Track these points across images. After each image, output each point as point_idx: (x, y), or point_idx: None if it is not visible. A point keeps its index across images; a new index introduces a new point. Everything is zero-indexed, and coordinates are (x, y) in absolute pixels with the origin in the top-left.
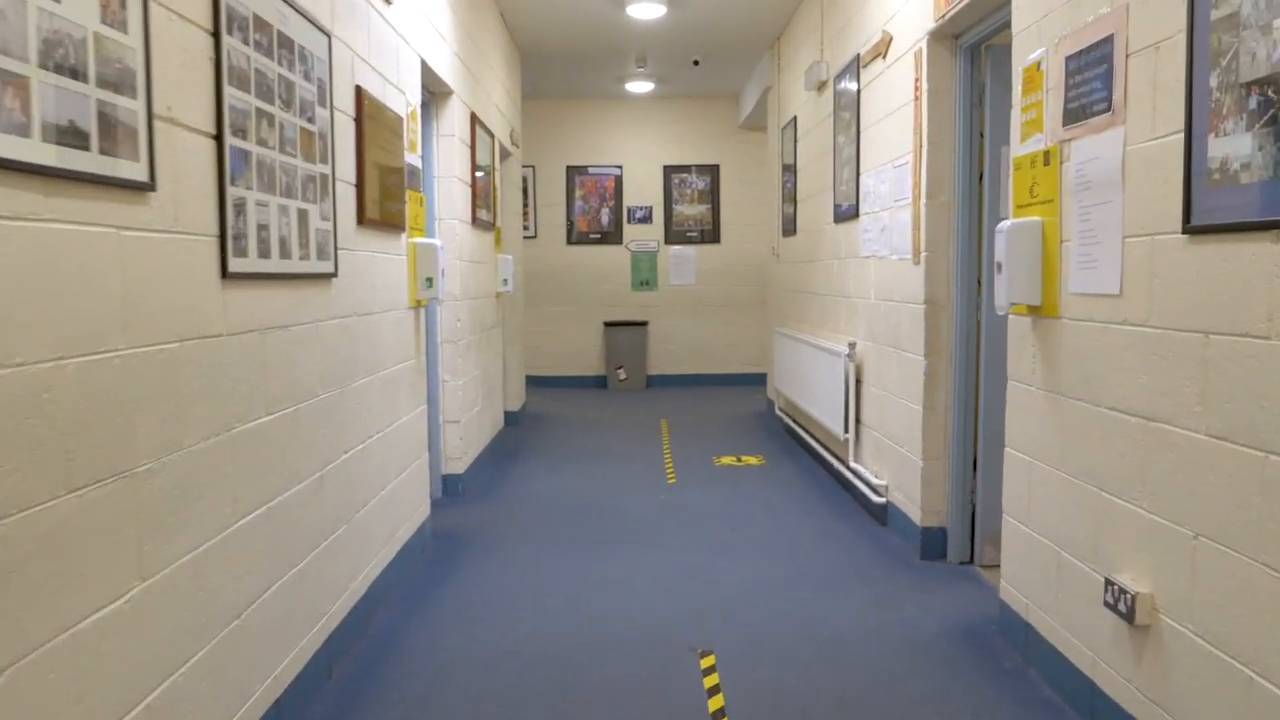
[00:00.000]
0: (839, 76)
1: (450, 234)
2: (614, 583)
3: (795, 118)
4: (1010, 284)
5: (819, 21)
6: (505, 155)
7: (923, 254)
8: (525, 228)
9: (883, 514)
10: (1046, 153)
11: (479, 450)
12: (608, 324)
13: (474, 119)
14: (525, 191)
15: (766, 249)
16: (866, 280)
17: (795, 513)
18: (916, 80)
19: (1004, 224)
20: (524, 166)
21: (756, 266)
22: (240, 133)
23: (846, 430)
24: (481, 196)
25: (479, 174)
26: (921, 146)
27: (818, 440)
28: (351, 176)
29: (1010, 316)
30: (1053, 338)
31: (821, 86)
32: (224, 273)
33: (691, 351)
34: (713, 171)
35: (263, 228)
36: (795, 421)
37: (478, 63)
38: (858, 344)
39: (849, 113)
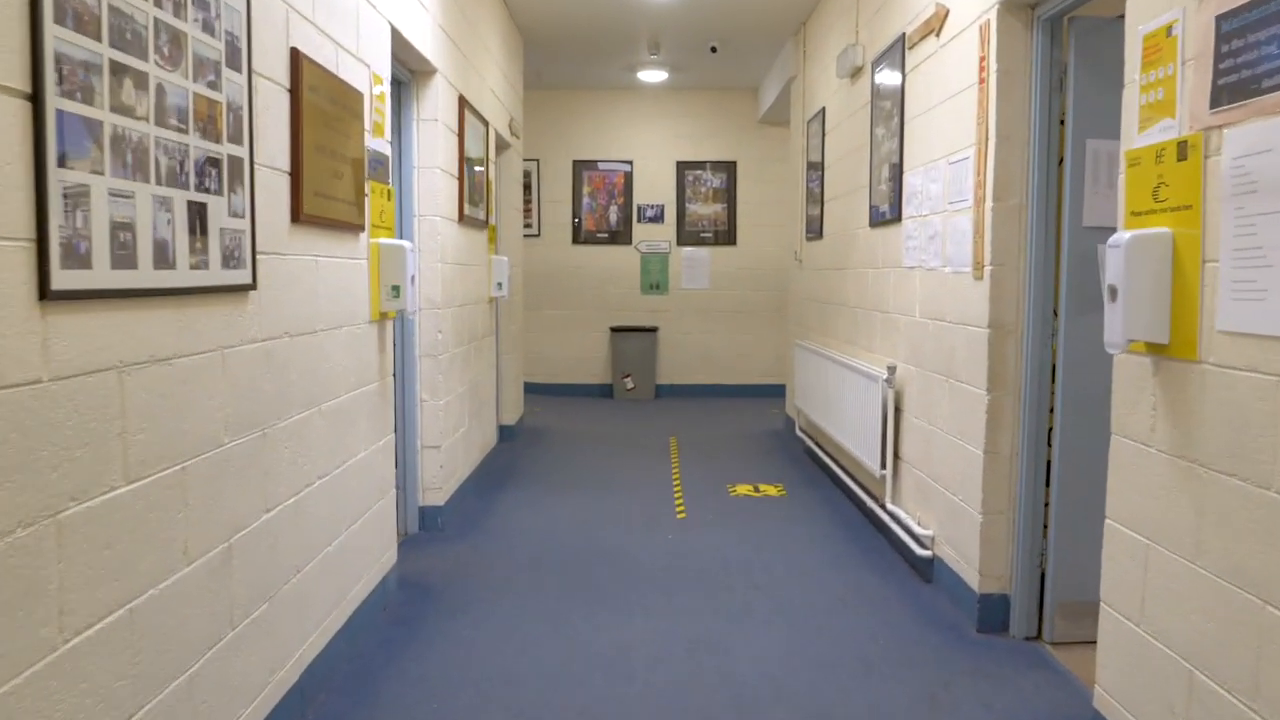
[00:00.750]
0: (878, 61)
1: (431, 233)
2: (605, 661)
3: (823, 110)
4: (1128, 315)
5: (854, 0)
6: (503, 147)
7: (987, 267)
8: (527, 226)
9: (927, 569)
10: (1182, 143)
11: (465, 475)
12: (615, 329)
13: (463, 103)
14: (528, 187)
15: (786, 252)
16: (910, 294)
17: (823, 563)
18: (982, 60)
19: (1121, 236)
20: (526, 160)
21: (775, 271)
22: (79, 94)
23: (883, 466)
24: (472, 191)
25: (471, 166)
26: (987, 139)
27: (846, 471)
28: (283, 161)
29: (1121, 355)
30: (1187, 388)
31: (856, 74)
32: (44, 292)
33: (703, 361)
34: (729, 169)
35: (122, 227)
36: (819, 445)
37: (469, 41)
38: (898, 367)
39: (890, 102)
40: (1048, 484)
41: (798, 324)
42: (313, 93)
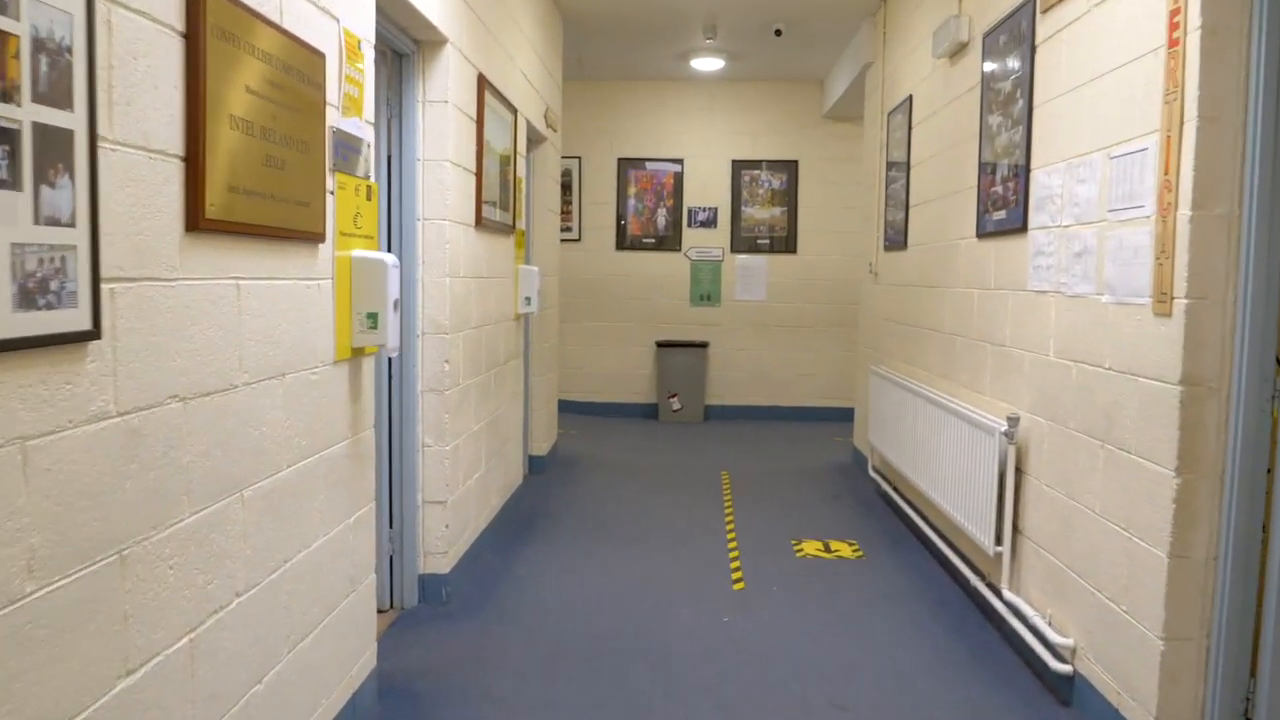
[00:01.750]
0: (992, 33)
1: (438, 241)
2: None
3: (909, 99)
4: None
5: None
6: (538, 141)
7: (1179, 300)
8: (566, 230)
9: (1065, 689)
10: None
11: (481, 526)
12: (661, 344)
13: (483, 84)
14: (567, 187)
15: (853, 262)
16: (1039, 326)
17: (923, 666)
18: (1174, 15)
19: None
20: (566, 158)
21: (840, 283)
22: None
23: (998, 541)
24: (495, 190)
25: (495, 161)
26: (1181, 123)
27: (939, 532)
28: (171, 140)
29: None
30: None
31: (958, 52)
32: None
33: (758, 380)
34: (790, 169)
35: None
36: (900, 493)
37: (494, 11)
38: (1020, 418)
39: (1009, 83)
40: (1259, 604)
41: (873, 346)
42: (228, 42)
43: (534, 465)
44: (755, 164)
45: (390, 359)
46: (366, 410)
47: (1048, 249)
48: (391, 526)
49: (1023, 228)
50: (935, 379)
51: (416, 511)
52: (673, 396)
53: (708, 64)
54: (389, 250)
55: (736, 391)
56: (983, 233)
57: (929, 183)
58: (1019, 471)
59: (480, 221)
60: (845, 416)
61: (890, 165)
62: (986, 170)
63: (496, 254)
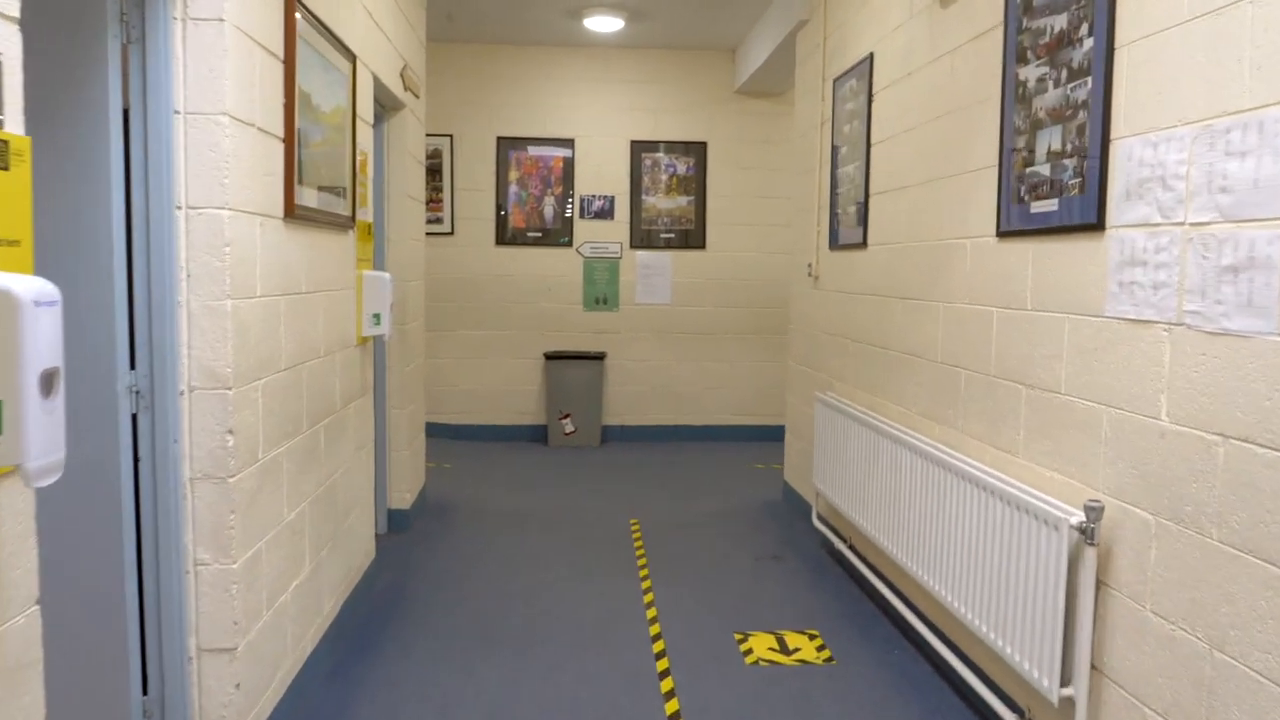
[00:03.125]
0: None
1: (212, 242)
2: None
3: (870, 58)
4: None
5: None
6: (394, 108)
7: None
8: (436, 221)
9: None
10: None
11: (301, 659)
12: (551, 356)
13: (293, 4)
14: (436, 171)
15: (770, 259)
16: (1137, 372)
17: None
18: None
19: None
20: (435, 136)
21: (758, 283)
22: None
23: (1065, 682)
24: (320, 167)
25: (318, 124)
26: None
27: (941, 635)
28: None
29: None
30: None
31: None
32: None
33: (663, 396)
34: (697, 152)
35: None
36: (865, 560)
37: None
38: (1103, 507)
39: (1068, 17)
40: None
41: (813, 364)
42: None
43: (395, 523)
44: (657, 145)
45: (136, 427)
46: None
47: (1153, 257)
48: (146, 693)
49: (1096, 224)
50: (922, 422)
51: (185, 667)
52: (565, 417)
53: (604, 23)
54: (121, 262)
55: (638, 409)
56: (1009, 230)
57: (904, 164)
58: (1100, 584)
59: (293, 211)
60: (766, 436)
61: (838, 145)
62: (1016, 142)
63: (324, 258)
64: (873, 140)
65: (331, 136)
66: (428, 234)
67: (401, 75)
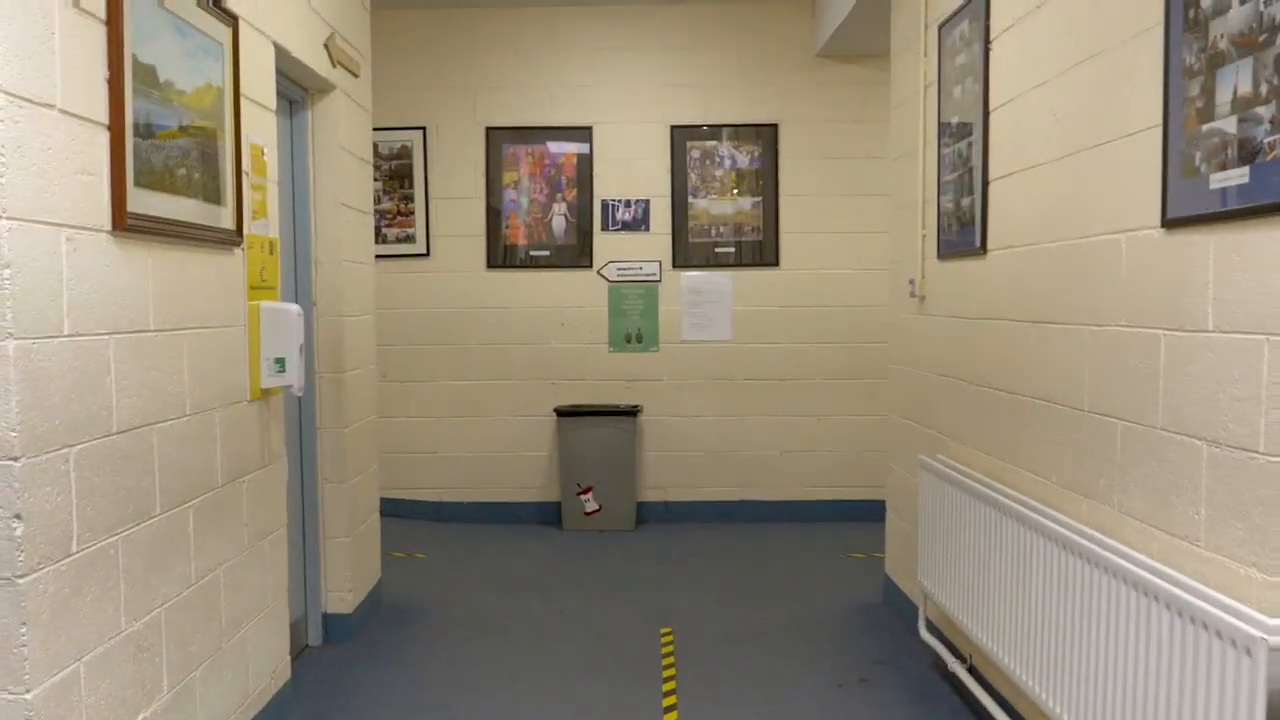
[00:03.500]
0: None
1: None
2: None
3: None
4: None
5: None
6: (319, 90)
7: None
8: (404, 239)
9: None
10: None
11: None
12: (564, 412)
13: None
14: (405, 175)
15: (871, 277)
16: None
17: None
18: None
19: None
20: (403, 130)
21: (854, 310)
22: None
23: None
24: (176, 164)
25: (167, 103)
26: None
27: None
28: None
29: None
30: None
31: None
32: None
33: (723, 462)
34: (766, 138)
35: None
36: (995, 693)
37: None
38: None
39: None
40: None
41: (919, 418)
42: None
43: (333, 631)
44: (709, 131)
45: None
46: None
47: None
48: None
49: None
50: (1063, 496)
51: None
52: (585, 492)
53: None
54: None
55: (687, 481)
56: (1179, 216)
57: (1033, 134)
58: None
59: (125, 222)
60: (870, 515)
61: (947, 117)
62: (1188, 89)
63: (190, 285)
64: (991, 104)
65: (197, 124)
66: (394, 256)
67: (326, 46)
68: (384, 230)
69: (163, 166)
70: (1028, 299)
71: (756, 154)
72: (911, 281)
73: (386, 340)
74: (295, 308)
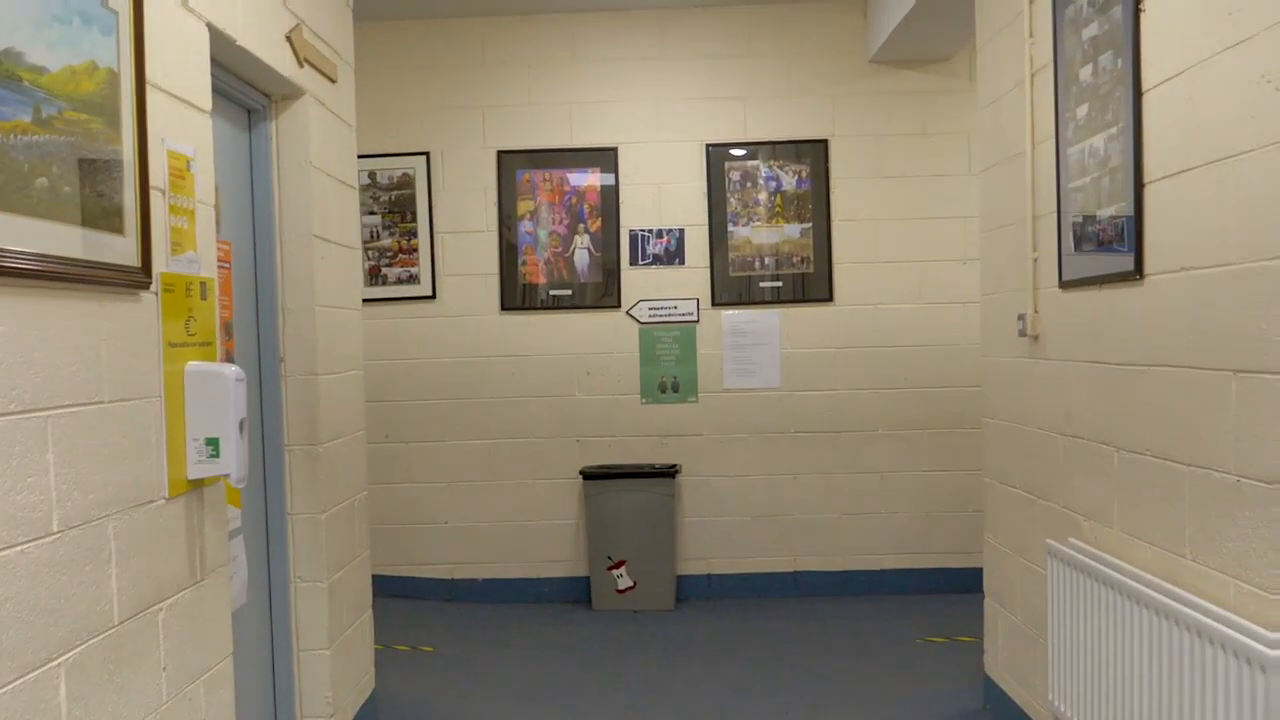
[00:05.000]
0: None
1: None
2: None
3: None
4: None
5: None
6: (284, 96)
7: None
8: (408, 280)
9: None
10: None
11: None
12: (591, 474)
13: None
14: (406, 207)
15: (934, 311)
16: None
17: None
18: None
19: None
20: (403, 156)
21: (919, 349)
22: None
23: None
24: (31, 174)
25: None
26: None
27: None
28: None
29: None
30: None
31: None
32: None
33: (774, 528)
34: (814, 155)
35: None
36: None
37: None
38: None
39: None
40: None
41: (1034, 485)
42: None
43: None
44: (750, 149)
45: None
46: None
47: None
48: None
49: None
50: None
51: None
52: (617, 566)
53: None
54: None
55: (733, 550)
56: None
57: (1230, 113)
58: None
59: None
60: (945, 585)
61: (1068, 109)
62: None
63: (56, 345)
64: (1146, 82)
65: (71, 116)
66: (395, 300)
67: (290, 40)
68: (384, 270)
69: (9, 178)
70: (1219, 339)
71: (804, 174)
72: (1021, 317)
73: (388, 396)
74: (233, 369)
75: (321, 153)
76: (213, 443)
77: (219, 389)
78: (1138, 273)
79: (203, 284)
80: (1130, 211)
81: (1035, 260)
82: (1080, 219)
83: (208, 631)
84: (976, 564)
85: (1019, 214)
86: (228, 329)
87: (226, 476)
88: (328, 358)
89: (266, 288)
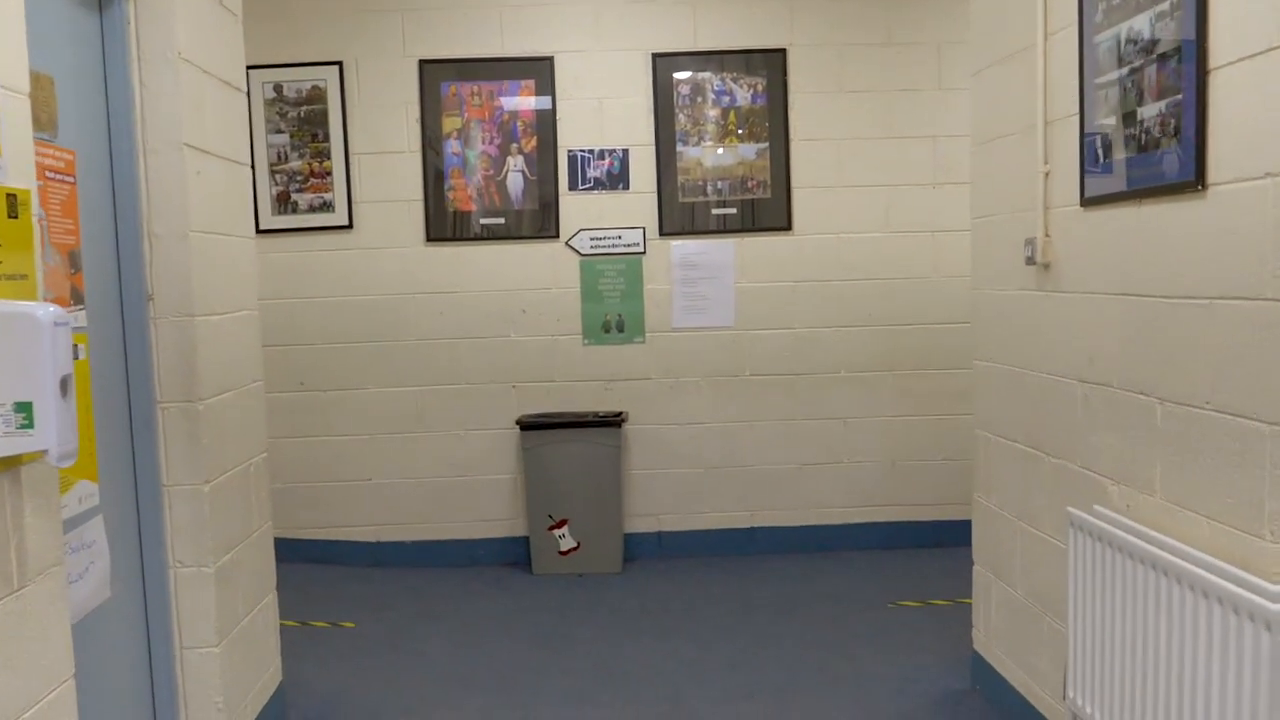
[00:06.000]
0: None
1: None
2: None
3: None
4: None
5: None
6: None
7: None
8: (321, 207)
9: None
10: None
11: None
12: (529, 424)
13: None
14: (318, 125)
15: (900, 240)
16: None
17: None
18: None
19: None
20: (311, 66)
21: (885, 282)
22: None
23: None
24: None
25: None
26: None
27: None
28: None
29: None
30: None
31: None
32: None
33: (730, 480)
34: (771, 66)
35: None
36: None
37: None
38: None
39: None
40: None
41: (1041, 440)
42: None
43: None
44: (701, 60)
45: None
46: None
47: None
48: None
49: None
50: None
51: None
52: (559, 525)
53: None
54: None
55: (683, 505)
56: None
57: None
58: None
59: None
60: (905, 540)
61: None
62: None
63: None
64: None
65: None
66: (307, 230)
67: None
68: (294, 196)
69: None
70: None
71: (759, 88)
72: (1029, 243)
73: (302, 338)
74: (50, 310)
75: (195, 44)
76: (24, 409)
77: (30, 337)
78: (1198, 183)
79: (10, 196)
80: (1188, 106)
81: (1047, 174)
82: (1111, 121)
83: (35, 652)
84: (946, 516)
85: (1025, 120)
86: (73, 259)
87: (44, 453)
88: (209, 295)
89: (127, 209)
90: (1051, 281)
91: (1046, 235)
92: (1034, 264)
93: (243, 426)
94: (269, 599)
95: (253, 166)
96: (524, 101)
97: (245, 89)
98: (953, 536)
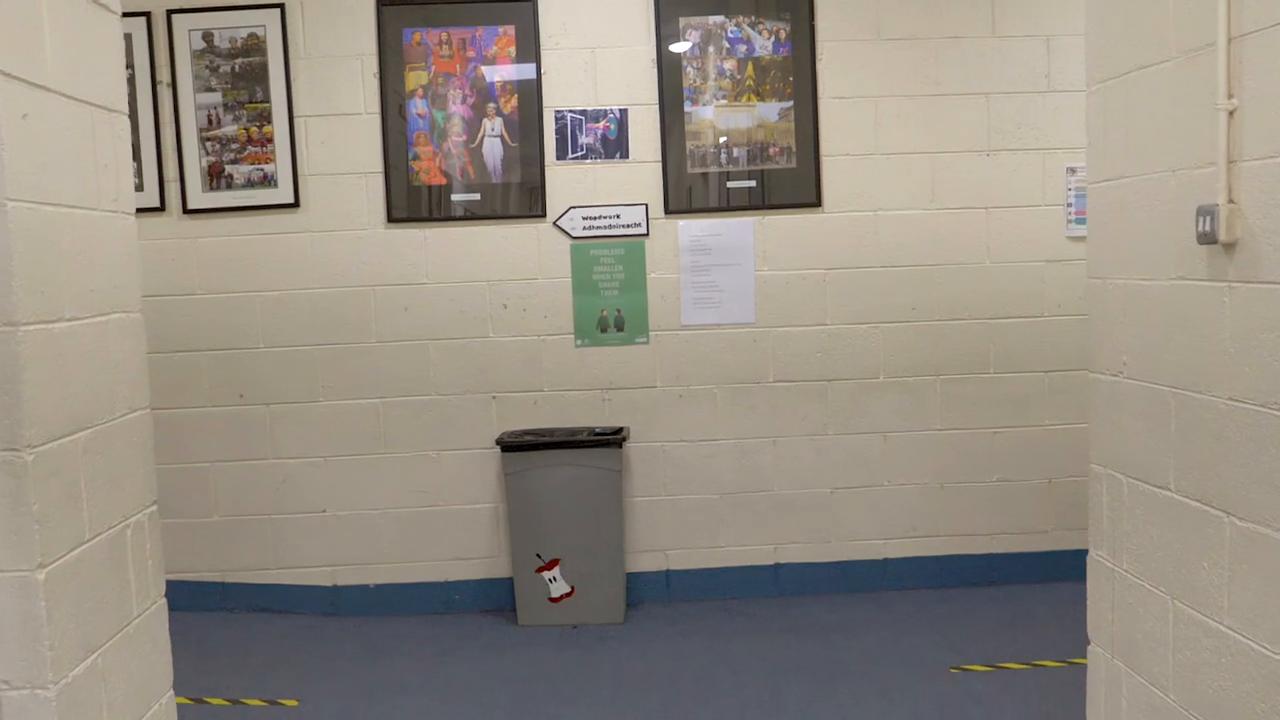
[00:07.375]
0: None
1: None
2: None
3: None
4: None
5: None
6: None
7: None
8: (260, 180)
9: None
10: None
11: None
12: (511, 444)
13: None
14: (258, 79)
15: (951, 220)
16: None
17: None
18: None
19: None
20: (248, 9)
21: (935, 269)
22: None
23: None
24: None
25: None
26: None
27: None
28: None
29: None
30: None
31: None
32: None
33: (746, 506)
34: (796, 9)
35: None
36: None
37: None
38: None
39: None
40: None
41: (1238, 505)
42: None
43: None
44: (714, 2)
45: None
46: None
47: None
48: None
49: None
50: None
51: None
52: (549, 567)
53: None
54: None
55: (694, 538)
56: None
57: None
58: None
59: None
60: (957, 578)
61: None
62: None
63: None
64: None
65: None
66: (244, 208)
67: None
68: (227, 168)
69: None
70: None
71: (782, 35)
72: (1205, 212)
73: (240, 342)
74: None
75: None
76: None
77: None
78: None
79: None
80: None
81: (1232, 113)
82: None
83: None
84: (1003, 549)
85: (1190, 37)
86: None
87: None
88: (47, 293)
89: None
90: (1238, 268)
91: (1231, 201)
92: (1211, 243)
93: (111, 476)
94: (162, 703)
95: (177, 132)
96: (503, 51)
97: (119, 10)
98: (1011, 572)
